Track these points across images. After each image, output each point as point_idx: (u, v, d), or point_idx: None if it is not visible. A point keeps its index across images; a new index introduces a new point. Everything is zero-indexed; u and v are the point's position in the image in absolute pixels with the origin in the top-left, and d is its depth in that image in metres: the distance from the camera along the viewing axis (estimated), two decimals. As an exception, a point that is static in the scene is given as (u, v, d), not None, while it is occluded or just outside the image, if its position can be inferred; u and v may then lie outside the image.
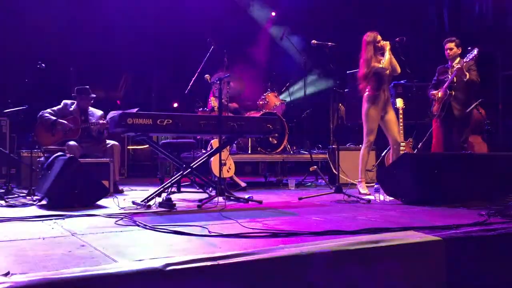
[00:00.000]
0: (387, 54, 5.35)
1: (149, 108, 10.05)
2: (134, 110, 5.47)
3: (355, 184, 5.66)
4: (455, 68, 5.67)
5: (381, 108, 5.40)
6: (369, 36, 5.41)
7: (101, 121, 5.88)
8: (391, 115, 5.49)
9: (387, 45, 5.38)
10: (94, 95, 6.06)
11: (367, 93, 5.42)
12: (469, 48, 5.83)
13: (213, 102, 6.85)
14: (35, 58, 5.81)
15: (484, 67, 8.13)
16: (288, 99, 8.44)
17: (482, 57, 5.97)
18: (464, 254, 2.59)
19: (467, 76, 5.63)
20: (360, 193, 5.26)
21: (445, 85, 5.81)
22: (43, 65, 5.58)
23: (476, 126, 6.81)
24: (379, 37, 5.41)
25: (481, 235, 2.70)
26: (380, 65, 5.32)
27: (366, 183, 5.49)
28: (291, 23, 10.12)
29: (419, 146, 6.61)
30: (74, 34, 8.58)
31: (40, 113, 5.85)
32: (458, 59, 5.82)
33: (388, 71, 5.38)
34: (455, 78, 5.70)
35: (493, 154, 5.92)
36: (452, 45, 5.86)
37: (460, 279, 2.55)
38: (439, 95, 5.89)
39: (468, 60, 5.59)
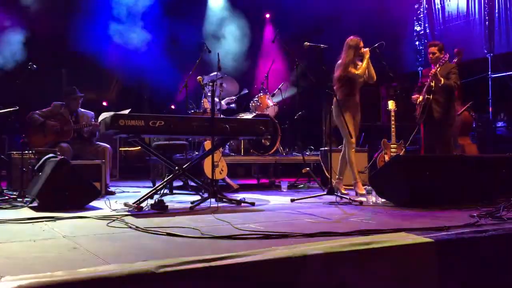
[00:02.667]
0: (365, 62, 5.43)
1: (141, 109, 10.02)
2: (126, 111, 5.46)
3: (346, 187, 5.68)
4: (430, 74, 5.76)
5: (352, 111, 5.46)
6: (352, 40, 5.48)
7: (92, 123, 5.86)
8: (357, 120, 5.59)
9: (366, 53, 5.46)
10: (82, 94, 6.03)
11: (336, 97, 5.45)
12: (456, 50, 5.93)
13: (206, 103, 6.84)
14: (26, 59, 5.78)
15: (475, 69, 8.25)
16: (280, 101, 8.45)
17: (473, 60, 6.05)
18: (456, 255, 2.60)
19: (442, 81, 5.72)
20: (357, 194, 5.29)
21: (424, 89, 5.90)
22: (34, 66, 5.55)
23: (465, 127, 6.86)
24: (361, 43, 5.48)
25: (472, 237, 2.72)
26: (356, 72, 5.39)
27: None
28: (283, 25, 10.14)
29: (406, 147, 6.65)
30: (66, 35, 8.53)
31: (29, 115, 5.82)
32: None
33: (362, 79, 5.45)
34: (432, 83, 5.78)
35: (483, 156, 5.96)
36: (434, 49, 5.94)
37: (452, 281, 2.57)
38: (420, 99, 5.95)
39: (441, 65, 5.71)
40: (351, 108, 5.48)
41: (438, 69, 5.71)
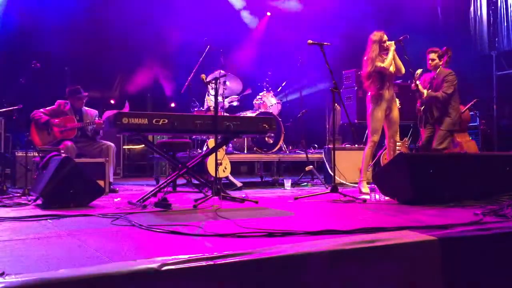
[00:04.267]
0: (390, 54, 5.38)
1: (144, 107, 10.03)
2: (126, 108, 5.48)
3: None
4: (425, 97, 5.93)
5: (385, 107, 5.43)
6: (375, 35, 5.44)
7: (96, 121, 5.87)
8: (395, 113, 5.54)
9: (391, 45, 5.41)
10: (87, 94, 6.04)
11: (370, 93, 5.45)
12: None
13: (209, 101, 6.84)
14: (29, 58, 5.79)
15: (479, 67, 8.22)
16: (284, 99, 8.44)
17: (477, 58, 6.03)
18: (459, 253, 2.60)
19: (425, 94, 5.90)
20: (361, 191, 5.29)
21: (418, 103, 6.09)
22: (37, 64, 5.57)
23: (462, 124, 6.81)
24: (385, 37, 5.44)
25: (476, 235, 2.71)
26: (383, 65, 5.35)
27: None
28: (287, 23, 10.13)
29: (416, 146, 6.63)
30: (69, 33, 8.55)
31: (33, 113, 5.83)
32: (439, 68, 5.92)
33: (391, 71, 5.41)
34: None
35: (487, 154, 5.94)
36: (434, 55, 5.92)
37: (455, 279, 2.56)
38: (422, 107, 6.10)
39: (416, 82, 5.84)
40: (383, 104, 5.43)
41: (434, 79, 5.80)
